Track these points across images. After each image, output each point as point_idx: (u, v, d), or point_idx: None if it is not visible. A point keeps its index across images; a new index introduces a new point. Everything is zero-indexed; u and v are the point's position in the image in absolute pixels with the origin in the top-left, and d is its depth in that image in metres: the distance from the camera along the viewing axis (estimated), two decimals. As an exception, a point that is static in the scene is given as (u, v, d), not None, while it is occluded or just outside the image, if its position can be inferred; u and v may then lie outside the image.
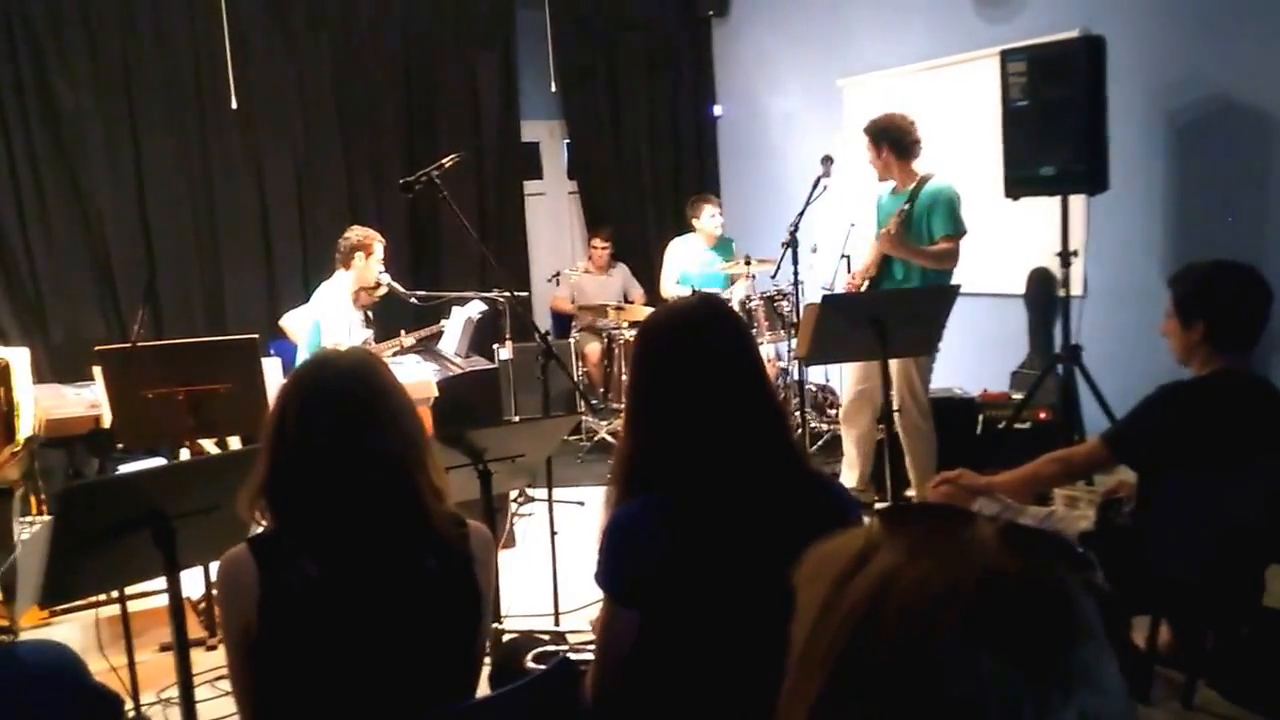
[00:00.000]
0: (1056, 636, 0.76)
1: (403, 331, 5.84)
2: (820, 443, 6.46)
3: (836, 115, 7.06)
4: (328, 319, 5.14)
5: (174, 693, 3.02)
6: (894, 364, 4.76)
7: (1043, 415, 5.05)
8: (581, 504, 5.52)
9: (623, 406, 6.36)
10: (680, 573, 1.86)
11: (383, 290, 5.39)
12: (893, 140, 4.97)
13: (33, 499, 4.62)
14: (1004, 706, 0.73)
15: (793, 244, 5.25)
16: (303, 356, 5.24)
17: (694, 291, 5.99)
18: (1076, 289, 5.02)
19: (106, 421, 4.61)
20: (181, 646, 2.41)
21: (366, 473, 1.83)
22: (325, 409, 1.84)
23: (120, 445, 4.57)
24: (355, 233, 5.34)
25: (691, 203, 7.15)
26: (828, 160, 5.36)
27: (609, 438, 6.75)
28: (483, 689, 2.18)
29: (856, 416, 5.22)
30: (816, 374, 6.94)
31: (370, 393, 1.87)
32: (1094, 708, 0.74)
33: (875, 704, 0.76)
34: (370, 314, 5.40)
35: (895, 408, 4.68)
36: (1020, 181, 4.89)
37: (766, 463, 1.94)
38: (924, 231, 4.88)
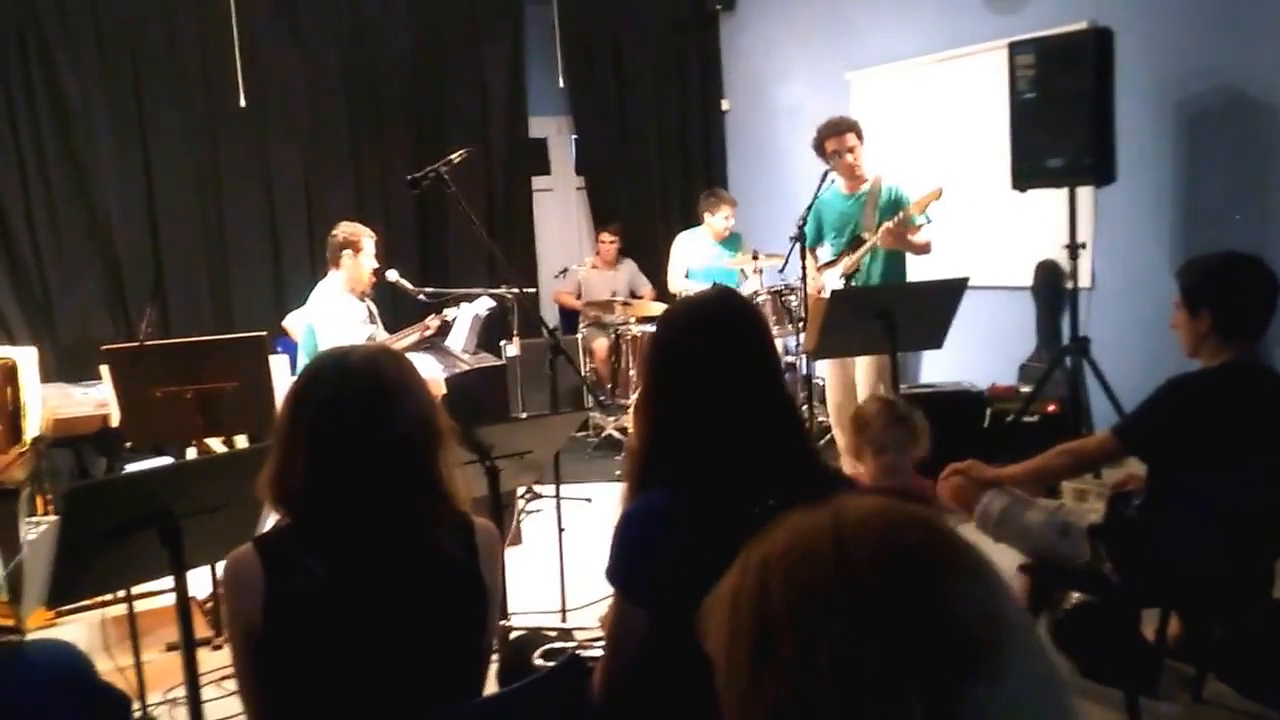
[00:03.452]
0: (921, 556, 0.80)
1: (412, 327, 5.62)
2: (827, 437, 6.44)
3: (844, 109, 7.00)
4: (322, 320, 4.98)
5: (180, 692, 3.03)
6: (867, 366, 5.02)
7: (1051, 408, 5.03)
8: (589, 500, 5.51)
9: (629, 402, 6.40)
10: (693, 570, 1.85)
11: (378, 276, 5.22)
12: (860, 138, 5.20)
13: (39, 499, 4.63)
14: (884, 628, 0.77)
15: (800, 238, 5.24)
16: (301, 360, 5.12)
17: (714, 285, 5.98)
18: (1084, 281, 5.01)
19: (114, 421, 4.62)
20: (188, 646, 2.40)
21: (374, 471, 1.82)
22: (338, 407, 1.83)
23: (128, 444, 4.57)
24: (343, 229, 5.12)
25: (706, 198, 7.05)
26: (835, 154, 5.34)
27: (616, 434, 6.74)
28: (491, 686, 2.18)
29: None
30: (823, 368, 6.92)
31: (382, 390, 1.85)
32: (981, 598, 0.79)
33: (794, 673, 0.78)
34: (374, 309, 5.31)
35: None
36: (1028, 173, 4.87)
37: (781, 459, 1.93)
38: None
